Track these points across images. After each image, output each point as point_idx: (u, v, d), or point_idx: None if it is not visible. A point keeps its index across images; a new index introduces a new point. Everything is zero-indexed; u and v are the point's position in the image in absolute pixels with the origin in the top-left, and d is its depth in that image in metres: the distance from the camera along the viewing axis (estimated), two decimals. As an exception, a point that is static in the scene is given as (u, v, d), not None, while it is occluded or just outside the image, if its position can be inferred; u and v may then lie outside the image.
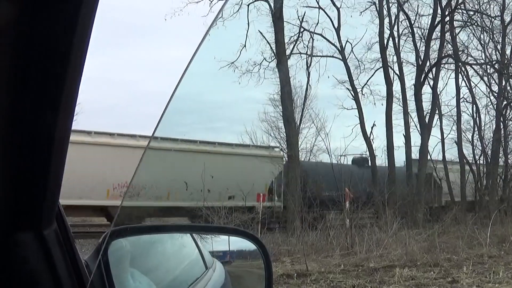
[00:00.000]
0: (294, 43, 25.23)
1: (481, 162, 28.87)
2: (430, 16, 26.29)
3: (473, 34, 28.13)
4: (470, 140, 29.62)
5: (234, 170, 22.93)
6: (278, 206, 25.26)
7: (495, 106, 28.76)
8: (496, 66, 28.11)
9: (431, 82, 26.99)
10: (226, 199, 22.29)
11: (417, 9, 26.76)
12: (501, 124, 28.57)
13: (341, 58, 25.34)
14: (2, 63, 0.87)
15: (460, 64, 27.84)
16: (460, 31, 28.01)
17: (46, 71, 0.91)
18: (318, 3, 25.12)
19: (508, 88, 29.17)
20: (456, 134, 28.41)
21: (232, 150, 24.73)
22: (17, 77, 0.89)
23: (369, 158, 27.02)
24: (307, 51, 25.89)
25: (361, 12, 25.55)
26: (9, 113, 0.93)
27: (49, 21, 0.86)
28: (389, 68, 25.74)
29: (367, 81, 26.36)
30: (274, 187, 26.00)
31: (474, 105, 29.44)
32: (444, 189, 28.30)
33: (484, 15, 27.18)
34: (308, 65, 26.17)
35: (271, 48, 24.11)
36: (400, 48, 26.54)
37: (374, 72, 26.27)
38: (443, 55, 26.84)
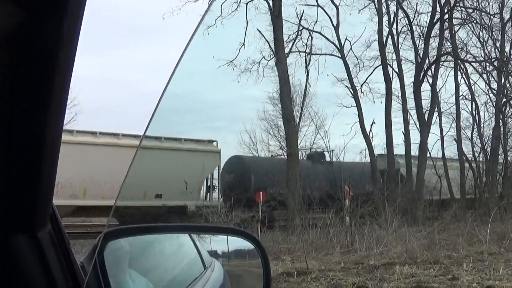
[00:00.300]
0: (293, 41, 25.26)
1: (481, 159, 28.90)
2: (429, 14, 26.34)
3: (472, 31, 28.15)
4: (470, 137, 29.67)
5: (162, 166, 20.93)
6: (215, 205, 23.45)
7: (494, 104, 28.77)
8: (495, 63, 28.10)
9: (430, 80, 27.02)
10: (152, 198, 21.55)
11: (416, 6, 26.80)
12: (500, 121, 28.57)
13: (340, 56, 25.37)
14: None
15: (459, 61, 27.82)
16: (459, 29, 28.03)
17: (36, 72, 0.90)
18: (317, 1, 25.13)
19: (507, 85, 29.20)
20: (455, 131, 28.43)
21: (160, 144, 22.55)
22: (7, 78, 0.89)
23: (325, 153, 26.64)
24: (306, 49, 25.92)
25: (360, 10, 25.59)
26: (1, 114, 0.92)
27: (37, 22, 0.85)
28: (388, 66, 25.76)
29: (366, 79, 26.41)
30: (211, 184, 24.86)
31: (474, 103, 29.48)
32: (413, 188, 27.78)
33: (483, 13, 27.17)
34: (307, 63, 26.21)
35: (270, 46, 24.13)
36: (399, 46, 26.59)
37: (373, 70, 26.32)
38: (442, 52, 26.84)
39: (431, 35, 26.19)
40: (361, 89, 25.98)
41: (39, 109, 0.94)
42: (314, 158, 27.27)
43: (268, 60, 24.58)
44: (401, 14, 26.63)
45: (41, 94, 0.93)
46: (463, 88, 28.97)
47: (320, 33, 25.38)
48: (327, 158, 26.97)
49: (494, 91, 28.71)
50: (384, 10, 25.73)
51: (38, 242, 1.10)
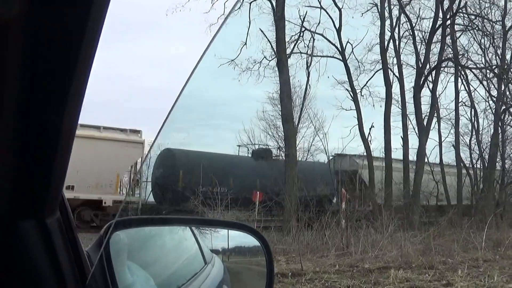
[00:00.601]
0: (294, 42, 25.28)
1: (478, 166, 28.94)
2: (431, 19, 26.36)
3: (474, 38, 28.19)
4: (468, 144, 29.72)
5: (74, 155, 19.68)
6: (135, 201, 22.26)
7: (493, 111, 28.80)
8: (495, 70, 28.13)
9: (431, 85, 27.03)
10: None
11: (419, 12, 26.83)
12: (499, 128, 28.60)
13: (341, 58, 25.40)
14: (12, 58, 0.87)
15: (459, 68, 27.86)
16: (460, 35, 28.09)
17: (56, 66, 0.91)
18: (320, 3, 25.18)
19: (507, 93, 29.21)
20: (454, 137, 28.47)
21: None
22: (26, 71, 0.89)
23: (272, 150, 25.76)
24: (307, 51, 25.95)
25: (362, 13, 25.66)
26: (17, 104, 0.93)
27: (60, 17, 0.86)
28: (389, 70, 25.80)
29: (367, 82, 26.47)
30: (134, 177, 23.71)
31: (473, 109, 29.53)
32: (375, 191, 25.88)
33: (485, 20, 27.21)
34: (308, 65, 26.25)
35: (271, 46, 24.13)
36: (401, 50, 26.60)
37: (374, 74, 26.36)
38: (443, 58, 26.86)
39: (433, 41, 26.23)
40: (361, 93, 26.06)
41: (56, 100, 0.95)
42: (259, 155, 26.04)
43: (270, 60, 24.62)
44: (403, 18, 26.68)
45: (60, 87, 0.93)
46: (463, 95, 29.07)
47: (322, 35, 25.45)
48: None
49: (494, 98, 28.73)
50: (386, 14, 25.78)
51: (46, 228, 1.11)
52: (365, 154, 25.21)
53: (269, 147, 26.55)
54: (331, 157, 27.18)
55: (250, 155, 27.24)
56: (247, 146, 24.91)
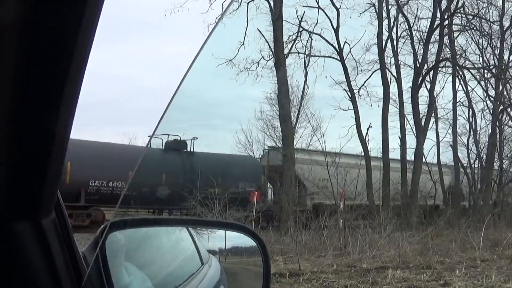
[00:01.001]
0: (292, 42, 25.32)
1: (476, 166, 28.99)
2: (429, 19, 26.40)
3: (472, 38, 28.28)
4: (466, 144, 29.77)
5: None
6: None
7: (491, 111, 28.86)
8: (493, 70, 28.17)
9: (428, 85, 27.09)
10: None
11: (416, 12, 26.91)
12: (497, 128, 28.66)
13: (339, 58, 25.42)
14: (6, 60, 0.87)
15: (457, 68, 27.89)
16: (458, 35, 28.17)
17: (50, 68, 0.90)
18: (317, 3, 25.21)
19: (505, 93, 29.28)
20: (451, 137, 28.52)
21: None
22: (20, 74, 0.89)
23: (187, 142, 23.98)
24: (305, 51, 25.99)
25: (360, 14, 25.70)
26: (12, 105, 0.92)
27: (53, 20, 0.85)
28: (386, 70, 25.81)
29: (364, 82, 26.52)
30: None
31: (471, 109, 29.62)
32: (311, 189, 24.80)
33: (483, 20, 27.26)
34: (306, 65, 26.30)
35: (269, 46, 24.16)
36: (398, 50, 26.67)
37: (372, 74, 26.41)
38: (441, 58, 26.89)
39: (431, 41, 26.26)
40: (358, 93, 26.09)
41: (50, 101, 0.94)
42: (173, 147, 23.72)
43: (267, 60, 24.66)
44: (401, 18, 26.76)
45: (54, 89, 0.93)
46: (461, 95, 29.17)
47: (320, 35, 25.48)
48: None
49: (492, 98, 28.80)
50: (384, 14, 25.83)
51: (41, 229, 1.10)
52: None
53: (178, 137, 23.87)
54: (264, 151, 26.75)
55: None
56: (161, 137, 23.09)
